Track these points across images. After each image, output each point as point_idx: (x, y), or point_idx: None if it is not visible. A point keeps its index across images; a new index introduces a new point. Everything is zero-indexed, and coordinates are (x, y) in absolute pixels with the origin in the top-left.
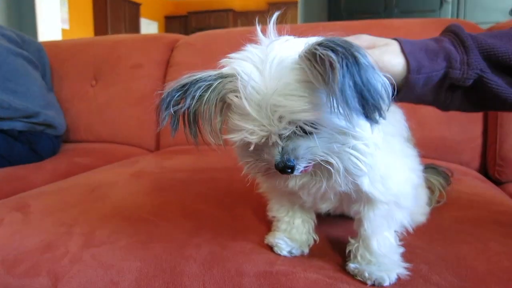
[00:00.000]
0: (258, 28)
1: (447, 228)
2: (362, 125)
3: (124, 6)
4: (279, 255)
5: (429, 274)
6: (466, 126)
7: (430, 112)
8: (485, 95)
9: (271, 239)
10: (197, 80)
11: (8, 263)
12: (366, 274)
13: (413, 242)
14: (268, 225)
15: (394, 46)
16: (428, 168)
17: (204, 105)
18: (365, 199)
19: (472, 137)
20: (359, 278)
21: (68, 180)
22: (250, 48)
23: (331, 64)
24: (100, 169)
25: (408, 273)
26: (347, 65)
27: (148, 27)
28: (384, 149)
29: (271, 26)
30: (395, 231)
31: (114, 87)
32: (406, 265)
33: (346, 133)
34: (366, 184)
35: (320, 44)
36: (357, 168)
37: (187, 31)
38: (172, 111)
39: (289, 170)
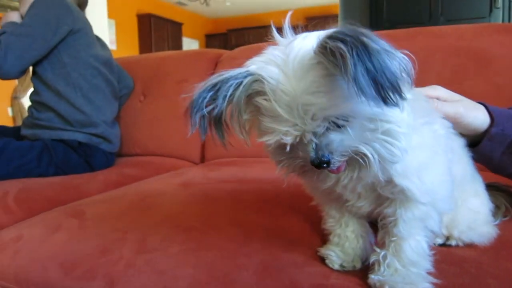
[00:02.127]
0: (274, 29)
1: None
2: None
3: (166, 26)
4: (333, 269)
5: None
6: None
7: None
8: None
9: (323, 251)
10: (228, 79)
11: (66, 266)
12: (387, 287)
13: (478, 258)
14: (320, 237)
15: (472, 101)
16: (491, 186)
17: (234, 103)
18: (400, 198)
19: None
20: None
21: (119, 190)
22: (270, 50)
23: (341, 55)
24: (149, 180)
25: None
26: (357, 54)
27: (190, 45)
28: (416, 140)
29: (286, 26)
30: (427, 241)
31: (161, 101)
32: (435, 280)
33: (376, 119)
34: (396, 177)
35: (329, 36)
36: (391, 153)
37: (226, 48)
38: (206, 112)
39: (325, 165)
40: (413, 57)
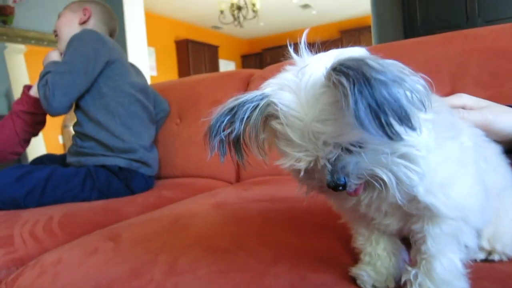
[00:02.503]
0: (290, 48)
1: None
2: (412, 132)
3: (203, 49)
4: None
5: None
6: None
7: None
8: None
9: (354, 270)
10: (245, 102)
11: None
12: None
13: None
14: (351, 256)
15: (500, 106)
16: None
17: (252, 125)
18: (428, 214)
19: None
20: None
21: (155, 212)
22: (285, 73)
23: (343, 90)
24: (184, 201)
25: None
26: (358, 89)
27: (227, 66)
28: (440, 155)
29: (303, 45)
30: (461, 258)
31: (196, 124)
32: None
33: (393, 143)
34: (421, 193)
35: (334, 68)
36: (409, 177)
37: (262, 67)
38: (223, 136)
39: (341, 188)
40: (429, 79)
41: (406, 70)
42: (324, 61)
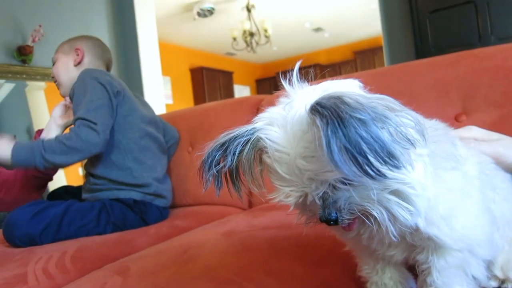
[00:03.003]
0: (283, 81)
1: None
2: (400, 169)
3: (218, 76)
4: None
5: None
6: None
7: None
8: None
9: None
10: (235, 137)
11: None
12: None
13: None
14: (358, 286)
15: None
16: None
17: (244, 159)
18: (432, 245)
19: None
20: None
21: (165, 243)
22: (275, 108)
23: (317, 130)
24: (194, 231)
25: None
26: (332, 130)
27: (241, 91)
28: (440, 187)
29: (295, 76)
30: None
31: None
32: None
33: (383, 179)
34: (422, 226)
35: (311, 106)
36: (402, 214)
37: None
38: (215, 171)
39: (332, 223)
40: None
41: (396, 105)
42: (310, 95)
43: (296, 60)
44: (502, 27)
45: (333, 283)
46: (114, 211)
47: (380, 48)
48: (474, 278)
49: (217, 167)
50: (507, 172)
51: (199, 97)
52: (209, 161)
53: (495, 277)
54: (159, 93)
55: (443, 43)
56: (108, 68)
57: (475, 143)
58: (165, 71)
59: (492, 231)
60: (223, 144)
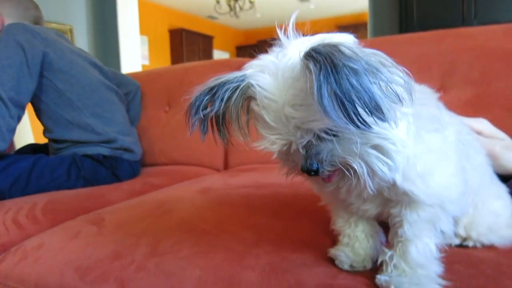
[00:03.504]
0: (278, 30)
1: None
2: (384, 123)
3: (198, 39)
4: (342, 269)
5: None
6: None
7: None
8: None
9: (333, 252)
10: (225, 82)
11: (81, 270)
12: (393, 287)
13: (497, 259)
14: (332, 239)
15: (509, 140)
16: None
17: (232, 106)
18: (407, 200)
19: None
20: None
21: (140, 198)
22: (268, 55)
23: (310, 75)
24: (169, 188)
25: None
26: (324, 76)
27: (221, 57)
28: (421, 146)
29: (291, 26)
30: (436, 243)
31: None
32: (444, 282)
33: (367, 133)
34: (399, 181)
35: (306, 52)
36: (381, 168)
37: None
38: (202, 115)
39: (313, 173)
40: (408, 71)
41: (389, 61)
42: (305, 44)
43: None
44: (485, 12)
45: (308, 236)
46: (84, 166)
47: (364, 25)
48: (442, 232)
49: (204, 111)
50: (499, 171)
51: (177, 60)
52: (197, 104)
53: (458, 235)
54: (136, 53)
55: (427, 24)
56: (39, 23)
57: (479, 137)
58: (142, 30)
59: (464, 191)
60: (212, 88)
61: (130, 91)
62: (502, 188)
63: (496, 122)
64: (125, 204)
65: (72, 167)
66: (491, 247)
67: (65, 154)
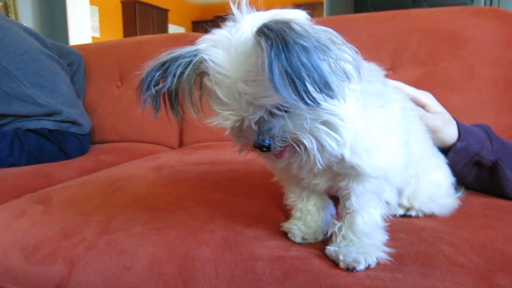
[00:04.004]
0: (232, 5)
1: (475, 214)
2: (333, 100)
3: (152, 13)
4: (294, 242)
5: (454, 255)
6: (498, 116)
7: (459, 102)
8: (492, 177)
9: (286, 225)
10: (177, 57)
11: (27, 251)
12: (341, 256)
13: (437, 227)
14: (285, 213)
15: (450, 117)
16: None
17: (185, 81)
18: (354, 173)
19: (505, 126)
20: (336, 262)
21: (90, 175)
22: (221, 30)
23: (262, 51)
24: (122, 165)
25: (389, 258)
26: (275, 53)
27: (176, 32)
28: (368, 122)
29: (244, 1)
30: (381, 213)
31: None
32: (389, 250)
33: (317, 110)
34: (347, 156)
35: (258, 28)
36: (329, 144)
37: None
38: (154, 91)
39: (265, 149)
40: (358, 50)
41: (339, 39)
42: (258, 20)
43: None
44: None
45: (262, 211)
46: (28, 140)
47: (321, 3)
48: (387, 203)
49: (156, 87)
50: (439, 145)
51: (130, 34)
52: (148, 80)
53: (402, 206)
54: (85, 24)
55: (380, 5)
56: None
57: (424, 112)
58: (92, 0)
59: (406, 163)
60: (163, 63)
61: (73, 61)
62: (441, 159)
63: (439, 100)
64: (75, 182)
65: (15, 142)
66: (431, 216)
67: (7, 129)
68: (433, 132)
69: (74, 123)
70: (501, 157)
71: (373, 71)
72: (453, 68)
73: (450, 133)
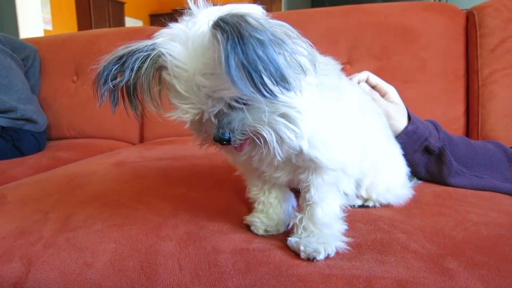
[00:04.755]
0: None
1: (427, 203)
2: (290, 92)
3: (107, 5)
4: (257, 234)
5: (407, 242)
6: (448, 107)
7: (413, 94)
8: (439, 166)
9: (248, 218)
10: (134, 51)
11: None
12: (302, 247)
13: (392, 216)
14: (248, 207)
15: (404, 108)
16: None
17: (143, 76)
18: (313, 166)
19: (455, 117)
20: (297, 252)
21: (47, 173)
22: (179, 24)
23: (218, 45)
24: (80, 162)
25: (347, 247)
26: (231, 46)
27: (133, 25)
28: (324, 115)
29: None
30: (340, 204)
31: None
32: (347, 239)
33: (275, 102)
34: (305, 148)
35: (214, 21)
36: (288, 136)
37: None
38: (111, 86)
39: (225, 142)
40: (314, 44)
41: (294, 33)
42: (214, 14)
43: None
44: None
45: (225, 205)
46: None
47: None
48: (345, 194)
49: (113, 81)
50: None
51: (84, 27)
52: (105, 74)
53: (361, 197)
54: (36, 16)
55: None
56: None
57: (378, 96)
58: None
59: (362, 155)
60: (121, 57)
61: (28, 56)
62: (397, 149)
63: (406, 101)
64: (31, 179)
65: None
66: (387, 206)
67: None
68: (387, 117)
69: (29, 120)
70: (446, 146)
71: (329, 65)
72: (406, 61)
73: (401, 121)
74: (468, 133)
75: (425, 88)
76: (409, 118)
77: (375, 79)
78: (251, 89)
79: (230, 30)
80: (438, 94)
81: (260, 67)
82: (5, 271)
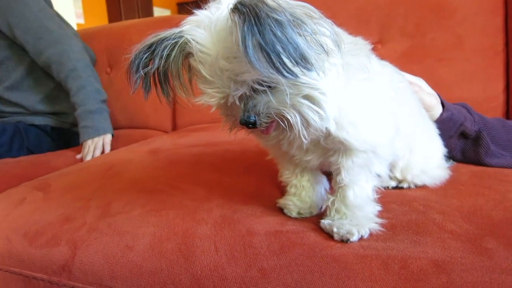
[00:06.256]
0: None
1: (464, 183)
2: (313, 73)
3: None
4: (290, 217)
5: (444, 223)
6: (486, 85)
7: (448, 73)
8: (476, 149)
9: (281, 201)
10: (163, 39)
11: (30, 236)
12: (335, 229)
13: (428, 197)
14: (281, 190)
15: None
16: None
17: (172, 63)
18: (343, 148)
19: (494, 95)
20: (330, 234)
21: (86, 162)
22: (204, 10)
23: (236, 27)
24: (117, 150)
25: (381, 228)
26: (248, 27)
27: (161, 15)
28: (352, 95)
29: None
30: (373, 186)
31: None
32: (381, 221)
33: (298, 84)
34: (333, 130)
35: (233, 5)
36: (313, 118)
37: None
38: (143, 73)
39: (251, 126)
40: (341, 24)
41: (316, 14)
42: None
43: None
44: None
45: (257, 189)
46: (28, 136)
47: None
48: (378, 175)
49: (144, 69)
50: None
51: (114, 18)
52: (136, 62)
53: (395, 178)
54: (69, 11)
55: None
56: None
57: (421, 90)
58: None
59: (393, 136)
60: (150, 46)
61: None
62: (433, 130)
63: (428, 72)
64: (72, 168)
65: (16, 137)
66: (423, 187)
67: (7, 122)
68: (428, 108)
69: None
70: (483, 128)
71: (357, 45)
72: (441, 38)
73: (439, 110)
74: (508, 111)
75: (461, 66)
76: (443, 105)
77: (404, 75)
78: (270, 70)
79: (247, 12)
80: (475, 71)
81: (279, 48)
82: (53, 254)
